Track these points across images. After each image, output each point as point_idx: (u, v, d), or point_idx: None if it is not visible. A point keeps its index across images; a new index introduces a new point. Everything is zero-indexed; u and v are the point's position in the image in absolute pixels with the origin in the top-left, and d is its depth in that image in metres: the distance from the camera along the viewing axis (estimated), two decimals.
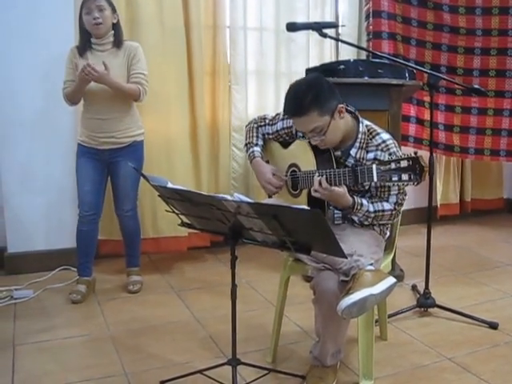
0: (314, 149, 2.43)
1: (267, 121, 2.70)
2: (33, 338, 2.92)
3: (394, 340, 2.88)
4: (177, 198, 2.17)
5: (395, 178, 2.07)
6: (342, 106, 2.33)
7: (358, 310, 2.13)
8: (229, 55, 4.33)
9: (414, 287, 3.55)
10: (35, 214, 3.90)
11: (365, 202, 2.35)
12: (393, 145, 2.38)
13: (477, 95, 4.42)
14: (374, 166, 2.10)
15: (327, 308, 2.24)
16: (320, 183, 2.23)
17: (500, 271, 4.01)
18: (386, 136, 2.41)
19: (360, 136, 2.40)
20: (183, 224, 2.34)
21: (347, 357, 2.64)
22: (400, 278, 3.65)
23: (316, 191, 2.25)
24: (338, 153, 2.43)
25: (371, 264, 2.23)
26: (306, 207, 1.90)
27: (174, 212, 2.28)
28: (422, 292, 3.23)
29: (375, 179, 2.11)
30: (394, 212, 2.39)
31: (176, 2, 3.97)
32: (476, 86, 3.42)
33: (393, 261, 3.48)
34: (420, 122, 4.69)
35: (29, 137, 3.79)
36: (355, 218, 2.39)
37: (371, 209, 2.35)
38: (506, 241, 4.81)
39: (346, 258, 2.08)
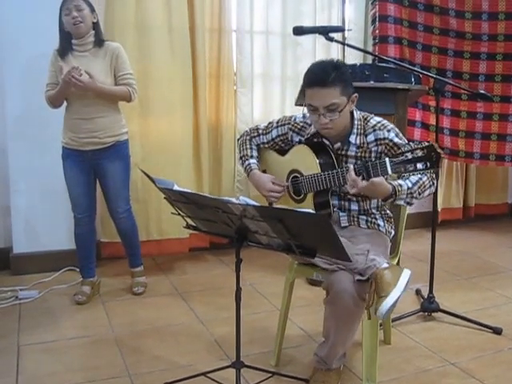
0: (315, 151, 2.44)
1: (260, 131, 2.69)
2: (37, 339, 2.93)
3: (398, 344, 2.88)
4: (183, 201, 2.17)
5: (411, 168, 2.04)
6: (356, 95, 2.37)
7: (392, 311, 2.16)
8: (235, 59, 4.34)
9: (417, 291, 3.55)
10: (41, 215, 3.91)
11: (401, 181, 2.27)
12: (387, 123, 2.41)
13: (482, 100, 4.43)
14: (387, 159, 2.07)
15: (342, 309, 2.21)
16: (354, 180, 2.16)
17: (504, 276, 4.00)
18: (378, 118, 2.45)
19: (356, 122, 2.41)
20: (188, 226, 2.34)
21: (350, 361, 2.64)
22: (409, 278, 3.63)
23: (353, 187, 2.19)
24: (338, 144, 2.44)
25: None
26: (311, 211, 1.90)
27: (179, 214, 2.28)
28: (425, 296, 3.24)
29: (389, 172, 2.08)
30: (429, 175, 2.32)
31: (182, 6, 4.00)
32: (481, 91, 3.43)
33: (397, 265, 3.48)
34: (425, 126, 4.69)
35: (33, 138, 3.81)
36: (401, 202, 2.30)
37: (410, 184, 2.27)
38: (510, 246, 4.80)
39: (351, 261, 2.07)
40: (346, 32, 4.60)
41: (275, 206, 2.61)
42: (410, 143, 2.13)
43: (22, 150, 3.81)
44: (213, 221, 2.15)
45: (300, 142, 2.54)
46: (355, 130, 2.41)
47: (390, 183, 2.23)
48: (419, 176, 2.30)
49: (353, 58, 4.61)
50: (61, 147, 3.35)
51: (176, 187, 2.17)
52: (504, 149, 4.68)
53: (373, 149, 2.39)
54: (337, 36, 2.75)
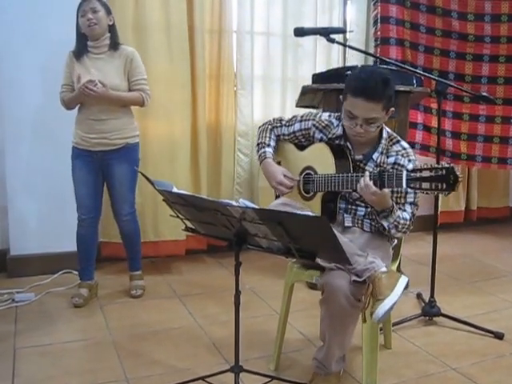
0: (335, 153, 2.42)
1: (283, 122, 2.67)
2: (34, 342, 2.90)
3: (399, 349, 2.86)
4: (181, 203, 2.15)
5: (425, 186, 2.01)
6: (393, 109, 2.36)
7: (388, 315, 2.15)
8: (235, 60, 4.33)
9: (419, 296, 3.53)
10: (38, 217, 3.88)
11: (397, 207, 2.32)
12: (412, 153, 2.42)
13: (485, 103, 4.40)
14: (405, 173, 2.06)
15: (336, 308, 2.19)
16: (366, 185, 2.18)
17: (506, 281, 3.98)
18: (406, 144, 2.45)
19: (383, 142, 2.42)
20: (187, 229, 2.32)
21: (350, 365, 2.61)
22: (405, 286, 3.61)
23: (362, 190, 2.21)
24: (360, 156, 2.44)
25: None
26: (311, 214, 1.88)
27: (178, 217, 2.26)
28: (427, 300, 3.21)
29: (404, 186, 2.07)
30: (410, 223, 2.37)
31: (181, 7, 3.98)
32: (484, 94, 3.40)
33: (398, 269, 3.46)
34: (427, 129, 4.66)
35: (31, 138, 3.79)
36: (385, 224, 2.32)
37: (400, 215, 2.32)
38: None
39: (351, 264, 2.07)
40: (348, 33, 4.60)
41: (282, 197, 2.57)
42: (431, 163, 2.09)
43: (19, 151, 3.78)
44: (212, 223, 2.13)
45: (321, 140, 2.53)
46: (380, 149, 2.42)
47: (392, 200, 2.28)
48: (406, 217, 2.35)
49: (354, 59, 4.61)
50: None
51: (175, 189, 2.15)
52: (506, 152, 4.64)
53: (388, 169, 2.36)
54: (338, 37, 2.73)
